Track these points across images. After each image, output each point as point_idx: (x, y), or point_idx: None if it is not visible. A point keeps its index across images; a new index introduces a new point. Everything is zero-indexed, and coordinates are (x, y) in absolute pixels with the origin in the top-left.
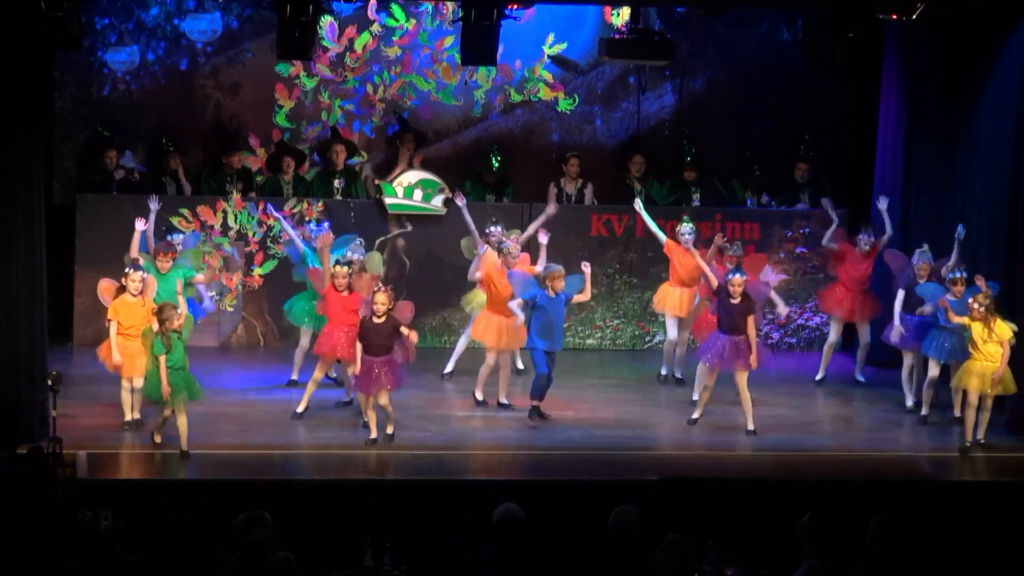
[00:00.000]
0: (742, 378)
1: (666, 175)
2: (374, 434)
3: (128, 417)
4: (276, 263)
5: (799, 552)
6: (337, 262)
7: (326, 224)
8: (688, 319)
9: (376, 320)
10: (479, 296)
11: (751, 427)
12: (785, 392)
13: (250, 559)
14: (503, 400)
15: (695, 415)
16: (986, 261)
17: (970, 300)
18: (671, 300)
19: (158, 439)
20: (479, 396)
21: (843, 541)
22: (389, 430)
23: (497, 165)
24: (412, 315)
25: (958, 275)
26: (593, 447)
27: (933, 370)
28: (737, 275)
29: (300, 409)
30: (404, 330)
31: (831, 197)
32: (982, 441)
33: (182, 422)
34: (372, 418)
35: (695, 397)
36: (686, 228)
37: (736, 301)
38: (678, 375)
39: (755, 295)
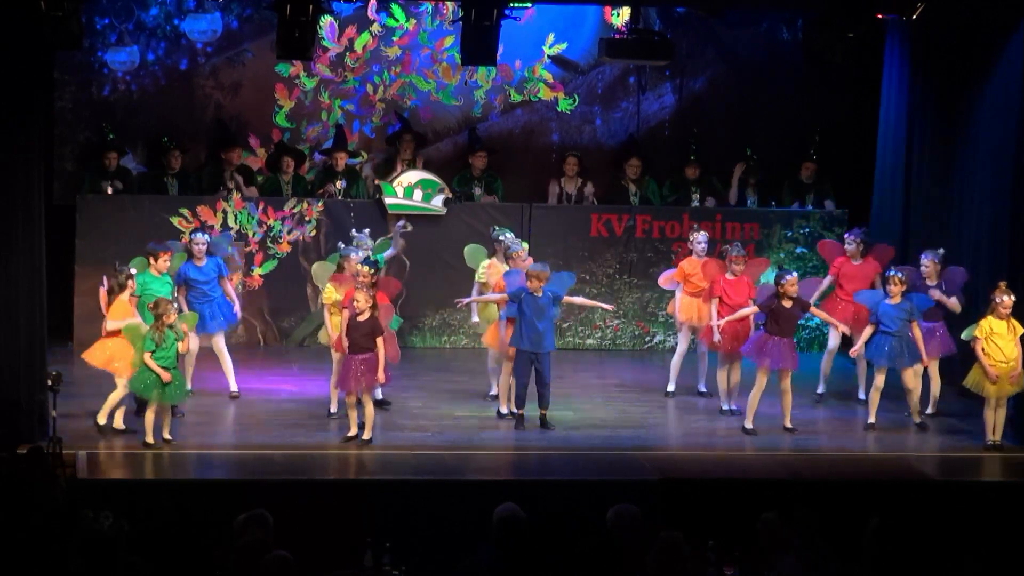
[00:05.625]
0: (788, 377)
1: (666, 175)
2: (353, 431)
3: (121, 424)
4: (276, 263)
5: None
6: (364, 261)
7: (367, 231)
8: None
9: (358, 319)
10: (489, 310)
11: (789, 425)
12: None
13: (248, 559)
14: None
15: (748, 424)
16: (987, 261)
17: (999, 289)
18: (697, 311)
19: (167, 436)
20: (504, 409)
21: (840, 540)
22: (366, 435)
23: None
24: (396, 291)
25: (896, 274)
26: (593, 447)
27: (878, 377)
28: (792, 275)
29: (333, 408)
30: (379, 342)
31: (833, 198)
32: (998, 441)
33: (149, 417)
34: (352, 416)
35: (725, 407)
36: (702, 236)
37: (789, 304)
38: (702, 388)
39: (805, 295)
